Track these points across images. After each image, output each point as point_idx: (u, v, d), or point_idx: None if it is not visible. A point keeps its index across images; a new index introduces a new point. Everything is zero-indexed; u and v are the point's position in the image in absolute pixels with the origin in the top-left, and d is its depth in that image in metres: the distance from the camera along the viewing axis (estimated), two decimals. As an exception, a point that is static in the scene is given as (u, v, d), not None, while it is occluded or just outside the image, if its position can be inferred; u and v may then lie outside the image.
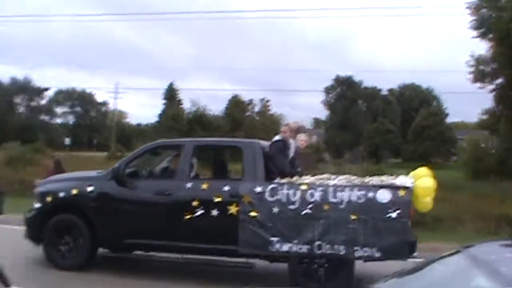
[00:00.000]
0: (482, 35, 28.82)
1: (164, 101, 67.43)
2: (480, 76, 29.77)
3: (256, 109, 73.23)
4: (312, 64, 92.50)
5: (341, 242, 7.58)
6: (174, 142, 10.29)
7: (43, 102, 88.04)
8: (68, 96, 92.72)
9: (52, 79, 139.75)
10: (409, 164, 51.79)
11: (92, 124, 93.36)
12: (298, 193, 7.82)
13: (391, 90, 75.81)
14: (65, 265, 8.69)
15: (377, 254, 7.54)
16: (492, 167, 31.27)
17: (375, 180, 8.03)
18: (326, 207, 7.71)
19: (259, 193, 7.94)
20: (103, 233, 8.66)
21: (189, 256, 8.71)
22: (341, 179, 8.18)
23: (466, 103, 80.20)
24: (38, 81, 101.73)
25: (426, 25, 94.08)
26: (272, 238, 7.80)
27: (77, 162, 25.93)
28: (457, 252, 3.65)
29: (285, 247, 7.76)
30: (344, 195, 7.70)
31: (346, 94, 72.38)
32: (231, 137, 56.32)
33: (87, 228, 8.67)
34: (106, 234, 8.67)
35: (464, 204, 20.68)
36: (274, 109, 78.09)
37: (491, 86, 30.31)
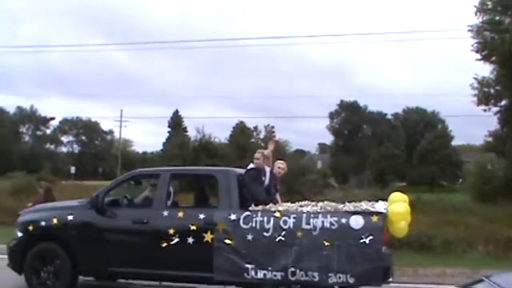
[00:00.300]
0: (485, 58, 28.97)
1: (169, 129, 67.56)
2: (484, 98, 29.80)
3: (261, 135, 73.27)
4: (316, 90, 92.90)
5: (315, 269, 7.59)
6: (151, 171, 10.39)
7: (49, 131, 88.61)
8: (73, 125, 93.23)
9: (57, 108, 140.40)
10: (415, 187, 51.79)
11: (97, 153, 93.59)
12: (272, 220, 7.86)
13: (395, 114, 75.91)
14: None
15: (351, 281, 7.52)
16: (499, 189, 31.12)
17: (348, 206, 8.01)
18: (299, 233, 7.73)
19: (233, 220, 7.99)
20: (84, 261, 8.71)
21: (168, 283, 8.78)
22: (315, 206, 8.16)
23: (471, 125, 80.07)
24: (43, 110, 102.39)
25: (429, 49, 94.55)
26: (247, 265, 7.84)
27: (81, 190, 25.88)
28: (481, 281, 3.66)
29: (260, 274, 7.78)
30: (317, 222, 7.72)
31: (350, 119, 72.50)
32: (238, 164, 56.34)
33: (68, 256, 8.71)
34: (87, 262, 8.72)
35: (473, 227, 20.49)
36: (279, 135, 78.15)
37: (496, 108, 30.43)
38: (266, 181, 9.03)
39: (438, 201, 29.88)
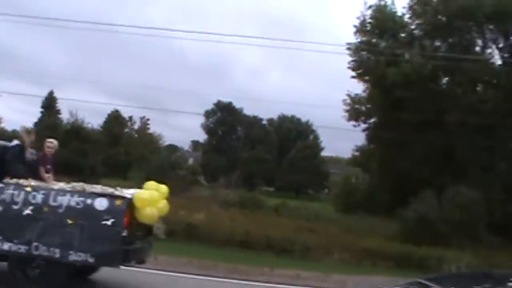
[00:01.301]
0: (360, 76, 30.30)
1: (42, 109, 64.64)
2: (355, 114, 31.05)
3: (136, 126, 72.08)
4: (193, 87, 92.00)
5: (57, 245, 7.77)
6: None
7: None
8: None
9: None
10: (282, 193, 53.20)
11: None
12: (22, 194, 8.01)
13: (270, 120, 77.38)
14: None
15: (91, 260, 7.77)
16: (361, 202, 32.65)
17: (97, 188, 8.34)
18: (46, 209, 7.92)
19: None
20: None
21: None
22: (67, 184, 8.45)
23: (341, 139, 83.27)
24: None
25: (308, 59, 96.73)
26: None
27: None
28: (416, 282, 3.97)
29: (6, 246, 7.88)
30: (64, 200, 7.94)
31: (225, 119, 73.01)
32: (111, 153, 55.33)
33: None
34: None
35: (332, 235, 21.46)
36: (154, 128, 77.16)
37: (365, 125, 31.82)
38: (30, 157, 9.08)
39: (303, 208, 30.97)
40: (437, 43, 29.45)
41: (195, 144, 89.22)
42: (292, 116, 78.60)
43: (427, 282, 3.89)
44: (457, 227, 22.46)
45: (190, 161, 67.49)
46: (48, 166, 9.37)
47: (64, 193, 8.00)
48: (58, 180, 9.21)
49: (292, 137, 74.11)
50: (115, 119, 65.08)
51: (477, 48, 29.33)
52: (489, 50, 29.38)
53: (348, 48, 29.51)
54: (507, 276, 3.78)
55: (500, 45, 28.98)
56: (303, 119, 76.94)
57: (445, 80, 29.37)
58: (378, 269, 17.27)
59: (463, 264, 17.70)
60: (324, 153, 70.86)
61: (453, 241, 21.75)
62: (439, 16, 28.18)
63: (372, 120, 31.56)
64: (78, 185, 8.35)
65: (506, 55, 28.53)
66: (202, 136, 78.50)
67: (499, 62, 28.64)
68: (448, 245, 21.09)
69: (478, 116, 25.50)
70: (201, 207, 22.65)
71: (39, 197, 7.93)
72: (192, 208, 21.31)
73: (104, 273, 9.23)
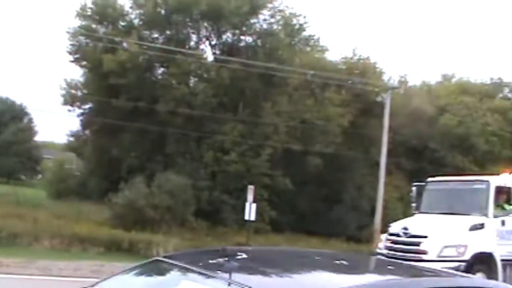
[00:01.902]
0: (77, 61, 29.92)
1: None
2: (70, 99, 30.59)
3: None
4: None
5: None
6: None
7: None
8: None
9: None
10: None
11: None
12: None
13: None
14: None
15: None
16: (74, 188, 32.28)
17: None
18: None
19: None
20: None
21: None
22: None
23: (57, 123, 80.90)
24: None
25: (25, 40, 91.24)
26: None
27: None
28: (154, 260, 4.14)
29: None
30: None
31: None
32: None
33: None
34: None
35: (42, 222, 21.00)
36: None
37: (80, 111, 31.55)
38: None
39: (12, 194, 29.58)
40: (155, 35, 30.35)
41: None
42: (7, 98, 74.05)
43: (165, 259, 4.06)
44: (166, 212, 23.59)
45: None
46: None
47: None
48: None
49: (5, 120, 69.82)
50: None
51: (192, 43, 30.98)
52: (202, 46, 31.32)
53: (68, 32, 28.98)
54: (238, 251, 4.21)
55: (213, 42, 30.99)
56: (18, 102, 72.97)
57: (160, 71, 30.41)
58: (88, 254, 17.52)
59: (170, 248, 18.73)
60: (39, 138, 68.17)
61: (163, 226, 22.89)
62: (159, 9, 29.05)
63: (87, 106, 31.43)
64: None
65: (217, 52, 30.61)
66: None
67: (211, 58, 30.59)
68: (158, 230, 22.17)
69: (189, 108, 27.06)
70: None
71: None
72: None
73: None
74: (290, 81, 29.24)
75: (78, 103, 30.98)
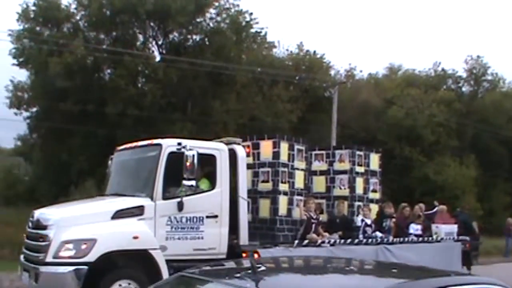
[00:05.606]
0: (22, 64, 29.36)
1: None
2: (17, 102, 30.04)
3: None
4: None
5: None
6: None
7: None
8: None
9: None
10: None
11: None
12: None
13: None
14: None
15: None
16: (23, 194, 31.68)
17: None
18: None
19: None
20: None
21: None
22: None
23: (4, 127, 78.81)
24: None
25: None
26: None
27: None
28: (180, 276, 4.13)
29: None
30: None
31: None
32: None
33: None
34: None
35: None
36: None
37: (27, 114, 31.05)
38: None
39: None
40: (102, 36, 30.05)
41: None
42: (-51, 102, 72.08)
43: (189, 274, 4.03)
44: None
45: None
46: None
47: None
48: None
49: None
50: None
51: (139, 43, 30.80)
52: (149, 46, 31.14)
53: (10, 35, 28.39)
54: (264, 261, 4.44)
55: (160, 42, 30.87)
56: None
57: (107, 72, 30.12)
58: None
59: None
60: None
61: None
62: (104, 10, 28.76)
63: (34, 109, 30.92)
64: None
65: (164, 51, 30.50)
66: None
67: (158, 58, 30.46)
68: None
69: (138, 109, 26.88)
70: None
71: None
72: None
73: None
74: (238, 78, 29.41)
75: (25, 106, 30.40)
